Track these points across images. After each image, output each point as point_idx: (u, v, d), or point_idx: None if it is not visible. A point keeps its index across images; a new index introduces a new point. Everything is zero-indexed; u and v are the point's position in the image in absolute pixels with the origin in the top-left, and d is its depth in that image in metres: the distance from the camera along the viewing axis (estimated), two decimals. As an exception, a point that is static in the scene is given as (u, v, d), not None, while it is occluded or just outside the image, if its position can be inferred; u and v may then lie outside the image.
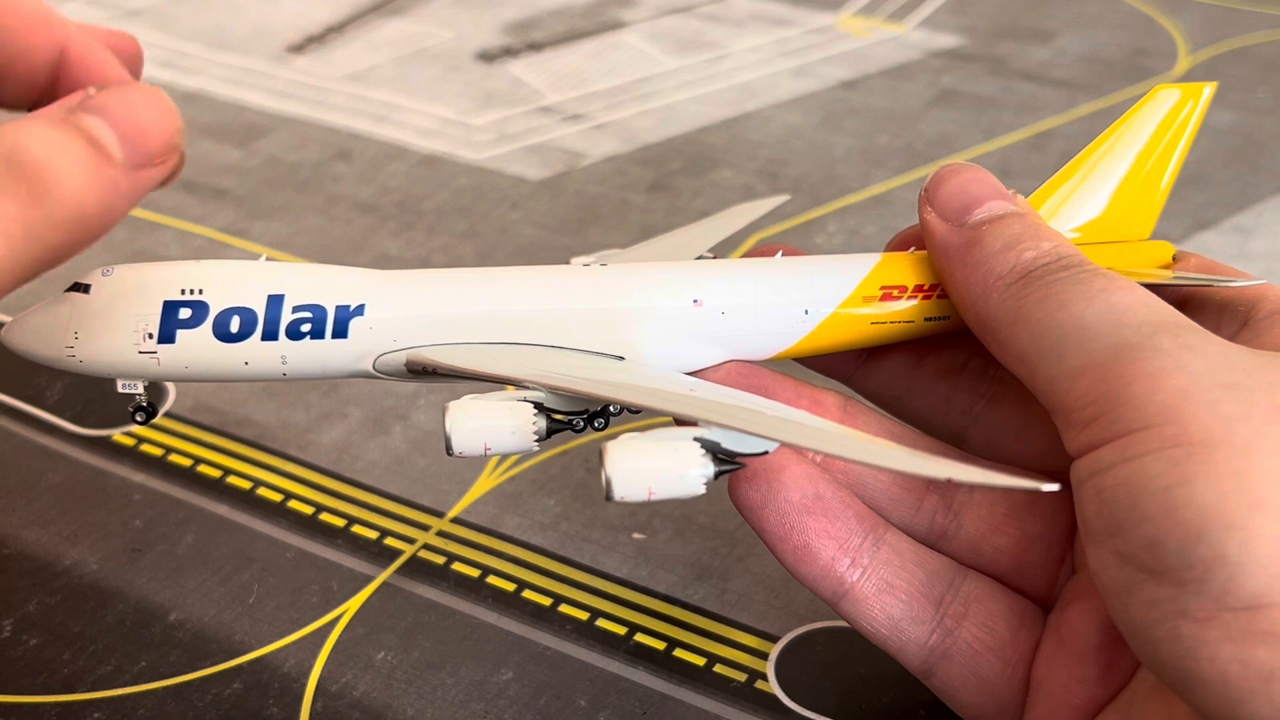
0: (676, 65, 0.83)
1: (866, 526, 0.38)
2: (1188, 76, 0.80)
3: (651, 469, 0.33)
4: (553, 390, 0.36)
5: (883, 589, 0.38)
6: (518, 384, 0.36)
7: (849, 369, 0.44)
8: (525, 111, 0.78)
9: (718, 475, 0.34)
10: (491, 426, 0.35)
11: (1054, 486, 0.30)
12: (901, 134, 0.75)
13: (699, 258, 0.47)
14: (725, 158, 0.73)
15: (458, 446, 0.35)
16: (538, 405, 0.36)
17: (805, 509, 0.37)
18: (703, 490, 0.34)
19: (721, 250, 0.50)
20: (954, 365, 0.42)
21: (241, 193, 0.70)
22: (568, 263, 0.47)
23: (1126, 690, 0.35)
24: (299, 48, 0.85)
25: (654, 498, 0.33)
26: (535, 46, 0.85)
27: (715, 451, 0.34)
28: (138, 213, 0.68)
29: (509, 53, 0.85)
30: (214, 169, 0.72)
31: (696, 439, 0.34)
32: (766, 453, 0.35)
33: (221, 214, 0.68)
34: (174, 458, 0.52)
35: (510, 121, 0.77)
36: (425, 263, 0.64)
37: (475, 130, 0.76)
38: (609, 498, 0.33)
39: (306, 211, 0.69)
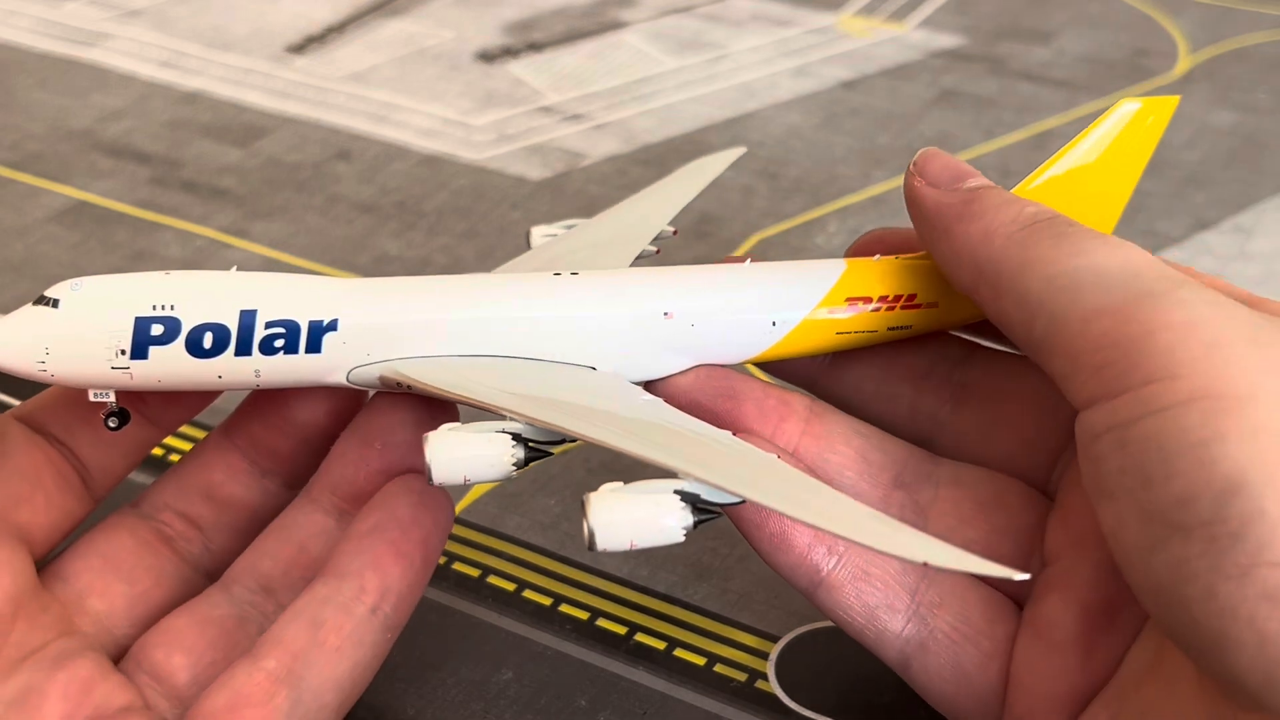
0: (676, 65, 0.83)
1: None
2: (1188, 76, 0.80)
3: (633, 520, 0.34)
4: (534, 424, 0.36)
5: (858, 576, 0.38)
6: (496, 412, 0.36)
7: (814, 372, 0.44)
8: (525, 111, 0.78)
9: (696, 525, 0.34)
10: (470, 457, 0.36)
11: (1024, 576, 0.30)
12: (902, 134, 0.75)
13: (660, 234, 0.47)
14: (725, 158, 0.73)
15: (438, 477, 0.36)
16: (515, 436, 0.36)
17: None
18: (682, 539, 0.34)
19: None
20: (920, 370, 0.43)
21: (241, 193, 0.70)
22: (528, 231, 0.47)
23: (1114, 682, 0.35)
24: (299, 48, 0.86)
25: (634, 548, 0.34)
26: (535, 46, 0.85)
27: (694, 503, 0.34)
28: (138, 213, 0.68)
29: (509, 53, 0.85)
30: (214, 169, 0.72)
31: (676, 491, 0.34)
32: (743, 501, 0.35)
33: (221, 214, 0.68)
34: (174, 458, 0.52)
35: (510, 121, 0.77)
36: (425, 263, 0.64)
37: (475, 130, 0.76)
38: (591, 548, 0.34)
39: (306, 211, 0.69)
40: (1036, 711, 0.36)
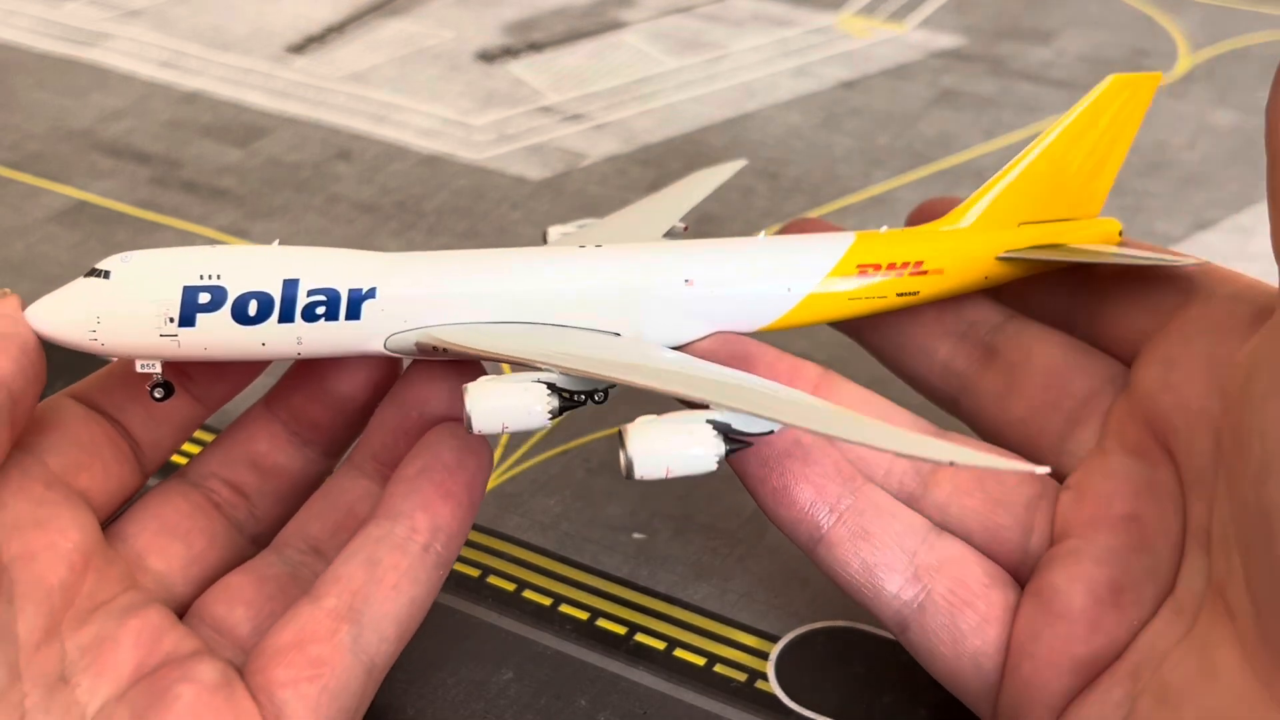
0: (676, 65, 0.83)
1: (845, 475, 0.39)
2: (1188, 76, 0.80)
3: (668, 449, 0.35)
4: (568, 373, 0.37)
5: (858, 535, 0.39)
6: (530, 365, 0.38)
7: (858, 324, 0.46)
8: (525, 111, 0.78)
9: (728, 454, 0.36)
10: (508, 406, 0.37)
11: (1045, 470, 0.32)
12: (901, 134, 0.75)
13: (671, 229, 0.49)
14: (725, 158, 0.73)
15: (478, 425, 0.37)
16: (550, 385, 0.38)
17: (785, 452, 0.39)
18: (715, 468, 0.36)
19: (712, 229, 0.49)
20: (957, 330, 0.45)
21: (242, 193, 0.70)
22: (545, 231, 0.50)
23: (1126, 659, 0.35)
24: (299, 48, 0.86)
25: (670, 475, 0.35)
26: (535, 46, 0.85)
27: (726, 432, 0.36)
28: (138, 213, 0.68)
29: (509, 53, 0.85)
30: (214, 169, 0.72)
31: (709, 421, 0.36)
32: (773, 432, 0.37)
33: (222, 214, 0.68)
34: (177, 458, 0.52)
35: (510, 121, 0.77)
36: (425, 263, 0.64)
37: (475, 130, 0.76)
38: (629, 476, 0.35)
39: (306, 211, 0.69)
40: (1041, 677, 0.36)
